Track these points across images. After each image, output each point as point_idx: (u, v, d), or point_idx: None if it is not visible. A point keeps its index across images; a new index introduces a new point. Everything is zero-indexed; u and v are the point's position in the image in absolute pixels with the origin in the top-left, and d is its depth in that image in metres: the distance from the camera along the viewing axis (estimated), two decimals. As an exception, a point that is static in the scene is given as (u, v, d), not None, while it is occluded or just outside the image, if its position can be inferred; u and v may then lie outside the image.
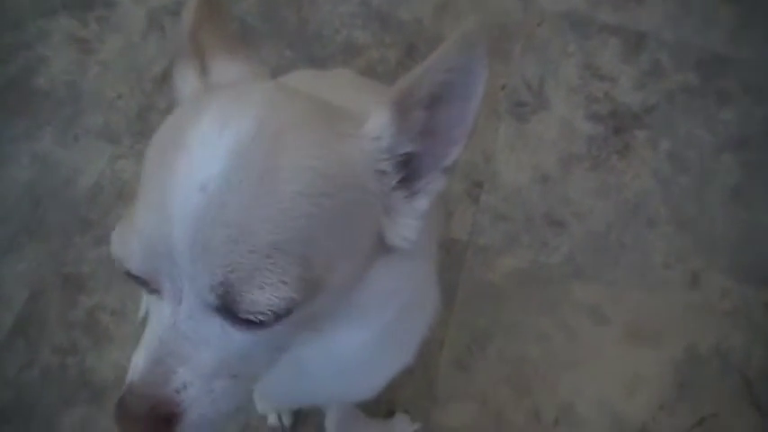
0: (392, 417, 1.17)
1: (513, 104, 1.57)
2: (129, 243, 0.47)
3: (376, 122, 0.51)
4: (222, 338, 0.48)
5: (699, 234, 1.36)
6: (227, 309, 0.46)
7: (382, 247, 0.53)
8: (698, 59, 1.59)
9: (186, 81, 0.56)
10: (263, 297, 0.44)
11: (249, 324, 0.47)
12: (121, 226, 0.49)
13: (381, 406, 1.18)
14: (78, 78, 1.58)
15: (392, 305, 0.59)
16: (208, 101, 0.49)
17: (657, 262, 1.33)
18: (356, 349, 0.61)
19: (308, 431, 1.16)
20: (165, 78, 1.56)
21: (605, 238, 1.38)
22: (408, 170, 0.53)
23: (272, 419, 1.14)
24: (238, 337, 0.48)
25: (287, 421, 1.14)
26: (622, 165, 1.48)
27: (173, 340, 0.48)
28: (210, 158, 0.44)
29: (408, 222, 0.53)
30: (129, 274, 0.48)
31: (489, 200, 1.43)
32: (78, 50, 1.61)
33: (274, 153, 0.45)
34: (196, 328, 0.48)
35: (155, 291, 0.49)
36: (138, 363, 0.49)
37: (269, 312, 0.45)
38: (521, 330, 1.29)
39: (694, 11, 1.68)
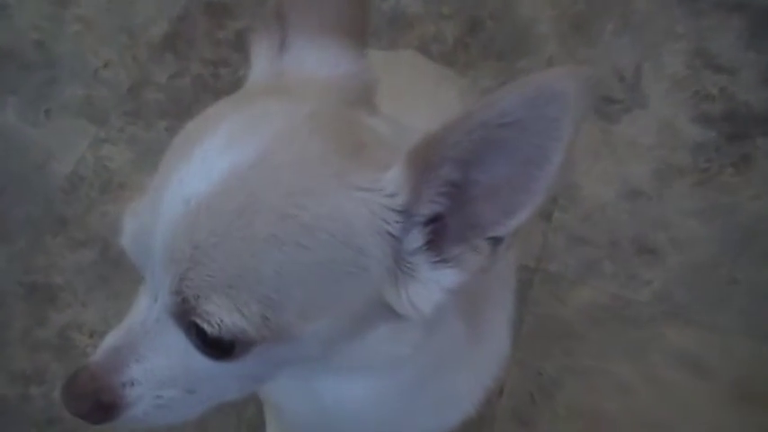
0: (435, 478, 1.35)
1: (599, 100, 1.71)
2: (127, 218, 0.62)
3: (392, 177, 0.57)
4: (183, 356, 0.62)
5: (832, 273, 1.47)
6: (188, 323, 0.59)
7: (387, 312, 0.62)
8: None
9: (258, 58, 0.68)
10: (217, 311, 0.56)
11: (213, 352, 0.60)
12: (141, 195, 0.62)
13: (422, 463, 1.38)
14: (51, 37, 1.75)
15: (407, 367, 0.70)
16: (232, 108, 0.62)
17: (777, 305, 1.46)
18: (375, 397, 0.74)
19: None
20: (166, 45, 1.73)
21: (711, 272, 1.51)
22: (437, 234, 0.60)
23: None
24: (200, 362, 0.62)
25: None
26: (738, 181, 1.60)
27: (137, 335, 0.63)
28: (203, 176, 0.56)
29: (425, 293, 0.61)
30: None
31: (564, 218, 1.57)
32: (51, 1, 1.78)
33: (263, 190, 0.56)
34: (161, 333, 0.62)
35: (142, 277, 0.63)
36: (103, 344, 0.64)
37: (216, 326, 0.56)
38: (597, 379, 1.42)
39: None
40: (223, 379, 0.65)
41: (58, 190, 1.60)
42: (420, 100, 0.94)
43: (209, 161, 0.57)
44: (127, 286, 1.49)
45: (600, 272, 1.55)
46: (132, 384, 0.64)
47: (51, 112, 1.70)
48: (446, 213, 0.59)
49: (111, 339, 0.65)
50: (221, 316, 0.57)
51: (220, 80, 1.72)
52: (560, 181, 0.54)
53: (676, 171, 1.66)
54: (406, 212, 0.58)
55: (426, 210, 0.59)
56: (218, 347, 0.60)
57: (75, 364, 1.37)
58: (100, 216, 1.61)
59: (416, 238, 0.60)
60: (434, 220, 0.59)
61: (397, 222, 0.59)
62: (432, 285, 0.61)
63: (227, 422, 1.41)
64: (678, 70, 1.75)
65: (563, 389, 1.43)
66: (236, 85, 0.69)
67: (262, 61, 0.68)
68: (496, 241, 0.59)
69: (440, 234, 0.60)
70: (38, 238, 1.56)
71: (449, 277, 0.60)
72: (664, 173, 1.66)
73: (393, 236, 0.59)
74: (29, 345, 1.46)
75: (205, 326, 0.57)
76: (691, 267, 1.55)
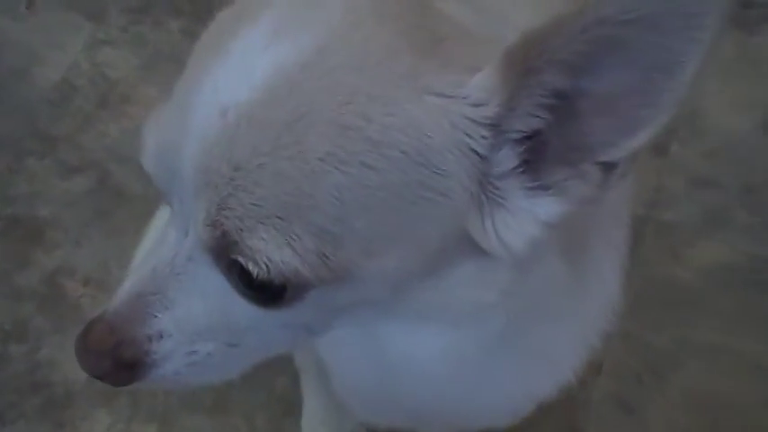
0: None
1: (734, 2, 1.64)
2: (148, 131, 0.61)
3: (481, 82, 0.56)
4: (223, 301, 0.62)
5: None
6: (228, 262, 0.58)
7: (469, 248, 0.62)
8: None
9: None
10: (264, 247, 0.56)
11: (259, 297, 0.60)
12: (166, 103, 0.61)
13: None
14: None
15: (492, 317, 0.69)
16: None
17: None
18: (450, 353, 0.73)
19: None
20: None
21: None
22: (534, 154, 0.59)
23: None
24: (244, 309, 0.61)
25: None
26: None
27: (165, 277, 0.62)
28: (242, 80, 0.56)
29: (516, 226, 0.60)
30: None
31: (685, 154, 1.48)
32: None
33: (318, 96, 0.55)
34: (195, 275, 0.62)
35: (168, 206, 0.62)
36: (122, 289, 0.64)
37: (264, 265, 0.56)
38: (723, 358, 1.34)
39: None
40: (270, 329, 0.64)
41: (45, 102, 1.55)
42: None
43: (249, 61, 0.56)
44: (131, 223, 1.43)
45: (729, 223, 1.46)
46: (161, 337, 0.63)
47: (35, 2, 1.65)
48: (547, 129, 0.57)
49: (132, 283, 0.64)
50: (269, 253, 0.56)
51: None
52: (689, 97, 0.52)
53: (833, 97, 1.57)
54: (496, 127, 0.57)
55: (522, 125, 0.57)
56: (265, 291, 0.59)
57: (64, 319, 1.40)
58: (97, 136, 1.54)
59: (508, 158, 0.58)
60: (532, 136, 0.58)
61: (485, 138, 0.57)
62: (525, 216, 0.59)
63: (255, 398, 1.36)
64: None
65: (679, 369, 1.35)
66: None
67: None
68: (609, 167, 0.57)
69: (538, 154, 0.58)
70: (19, 161, 1.50)
71: (547, 207, 0.59)
72: (816, 100, 1.57)
73: (479, 154, 0.58)
74: (8, 293, 1.41)
75: (250, 265, 0.56)
76: None
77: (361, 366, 0.81)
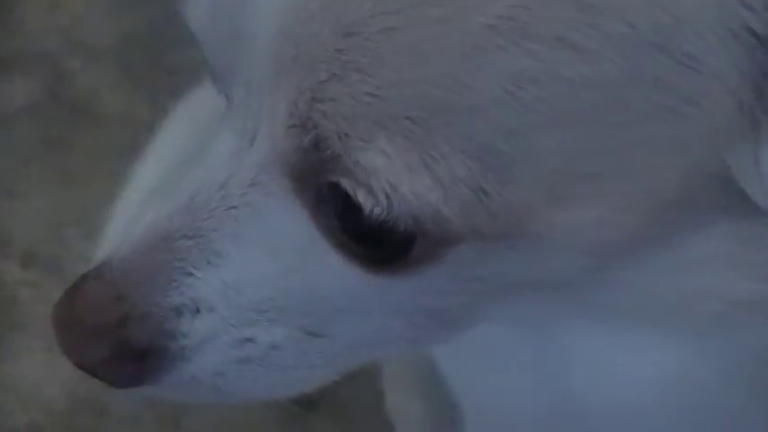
0: None
1: None
2: None
3: None
4: (305, 257, 0.52)
5: None
6: (320, 190, 0.49)
7: (733, 198, 0.51)
8: None
9: None
10: (385, 167, 0.46)
11: (368, 251, 0.50)
12: None
13: None
14: None
15: (759, 324, 0.58)
16: None
17: None
18: (681, 382, 0.63)
19: None
20: None
21: None
22: None
23: None
24: (336, 271, 0.52)
25: None
26: None
27: (210, 212, 0.52)
28: None
29: None
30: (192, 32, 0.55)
31: None
32: None
33: None
34: (261, 211, 0.52)
35: (223, 95, 0.56)
36: (137, 227, 0.55)
37: (383, 196, 0.46)
38: None
39: None
40: (378, 312, 0.54)
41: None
42: None
43: None
44: (102, 161, 1.21)
45: None
46: (197, 311, 0.53)
47: None
48: None
49: (154, 219, 0.54)
50: (393, 177, 0.46)
51: None
52: None
53: None
54: None
55: None
56: (380, 243, 0.49)
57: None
58: (44, 11, 1.35)
59: None
60: None
61: None
62: None
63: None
64: None
65: None
66: None
67: None
68: None
69: None
70: None
71: None
72: None
73: (759, 38, 0.45)
74: None
75: (360, 195, 0.46)
76: None
77: (520, 397, 0.71)
